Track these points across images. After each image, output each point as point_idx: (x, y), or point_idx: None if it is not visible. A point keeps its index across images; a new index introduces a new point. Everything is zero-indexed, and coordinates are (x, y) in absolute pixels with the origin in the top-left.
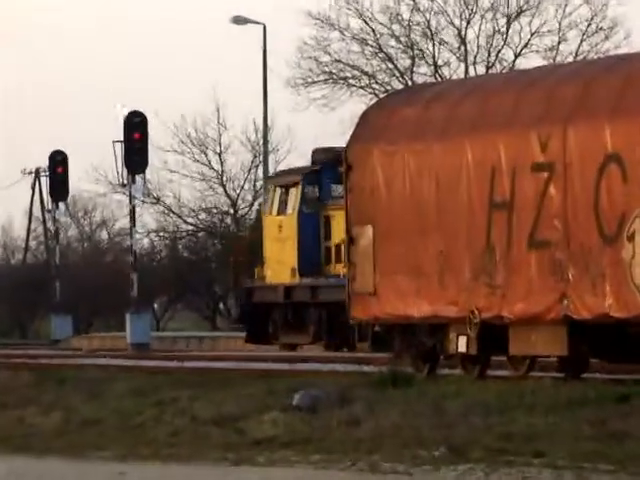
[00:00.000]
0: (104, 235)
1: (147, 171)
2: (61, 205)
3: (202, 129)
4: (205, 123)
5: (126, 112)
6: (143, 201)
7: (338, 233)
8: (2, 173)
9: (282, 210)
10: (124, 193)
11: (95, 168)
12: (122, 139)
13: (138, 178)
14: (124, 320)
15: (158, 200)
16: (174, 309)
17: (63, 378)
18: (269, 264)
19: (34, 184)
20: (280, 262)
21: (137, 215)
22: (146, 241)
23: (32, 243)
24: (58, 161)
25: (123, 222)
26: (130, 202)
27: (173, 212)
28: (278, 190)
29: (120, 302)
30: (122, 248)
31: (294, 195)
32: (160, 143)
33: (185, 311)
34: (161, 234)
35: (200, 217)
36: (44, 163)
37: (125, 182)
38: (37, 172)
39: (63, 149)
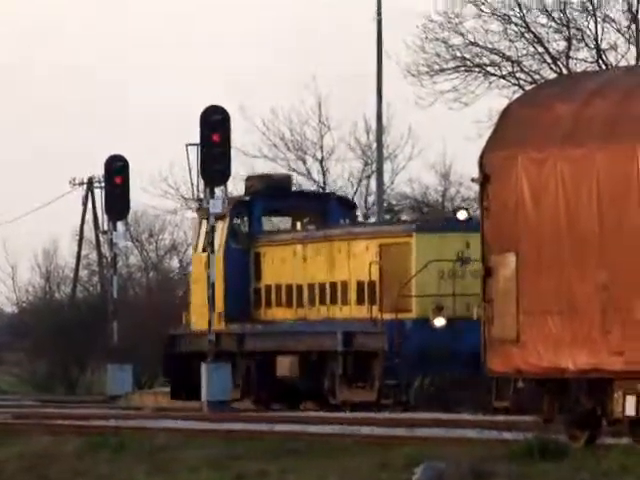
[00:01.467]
0: (174, 263)
1: (229, 182)
2: (120, 225)
3: (299, 129)
4: (303, 122)
5: None
6: None
7: (270, 272)
8: (46, 183)
9: (207, 247)
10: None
11: (163, 178)
12: (198, 142)
13: (217, 191)
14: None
15: None
16: None
17: (121, 445)
18: (194, 308)
19: (86, 198)
20: (205, 306)
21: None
22: None
23: (83, 273)
24: (117, 169)
25: None
26: (208, 221)
27: None
28: (204, 223)
29: None
30: None
31: (221, 229)
32: (246, 147)
33: None
34: None
35: None
36: (99, 172)
37: (201, 196)
38: (90, 183)
39: (123, 154)
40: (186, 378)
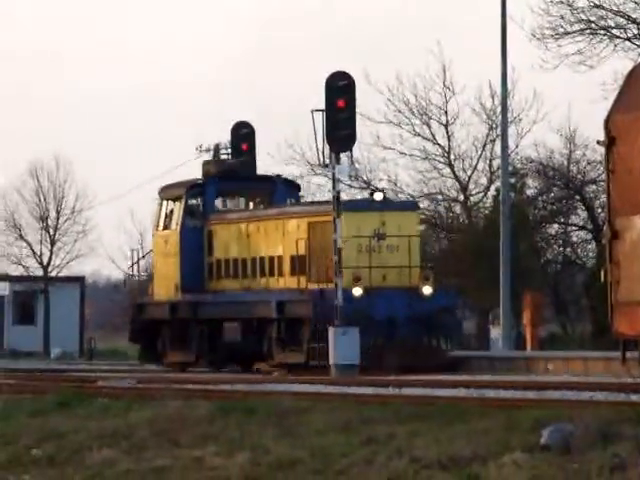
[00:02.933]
0: None
1: (354, 148)
2: None
3: (424, 94)
4: (428, 87)
5: None
6: (350, 185)
7: (220, 248)
8: (173, 149)
9: (168, 224)
10: (326, 175)
11: (289, 144)
12: (323, 108)
13: (343, 157)
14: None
15: (368, 184)
16: None
17: (250, 409)
18: (157, 280)
19: None
20: (166, 278)
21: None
22: None
23: None
24: (243, 135)
25: None
26: (334, 187)
27: None
28: (164, 204)
29: None
30: None
31: (178, 209)
32: (371, 113)
33: None
34: None
35: (422, 205)
36: (225, 138)
37: (327, 162)
38: (216, 149)
39: (249, 120)
40: (151, 343)
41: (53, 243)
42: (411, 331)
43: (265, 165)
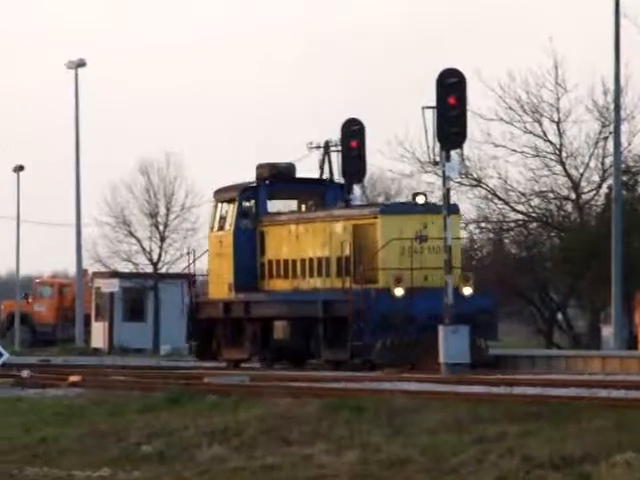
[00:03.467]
0: None
1: (465, 145)
2: (356, 188)
3: (536, 91)
4: (540, 84)
5: None
6: (460, 183)
7: (271, 248)
8: (285, 146)
9: (222, 226)
10: (436, 173)
11: (400, 142)
12: (434, 105)
13: (454, 154)
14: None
15: (479, 182)
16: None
17: (360, 407)
18: (212, 280)
19: (322, 161)
20: (220, 277)
21: (452, 201)
22: (463, 233)
23: None
24: (353, 132)
25: None
26: (444, 184)
27: (498, 197)
28: (219, 206)
29: None
30: None
31: (232, 211)
32: (482, 110)
33: (512, 322)
34: (482, 225)
35: (533, 203)
36: (335, 135)
37: (437, 159)
38: (326, 146)
39: (358, 117)
40: (207, 340)
41: (163, 240)
42: None
43: (376, 162)
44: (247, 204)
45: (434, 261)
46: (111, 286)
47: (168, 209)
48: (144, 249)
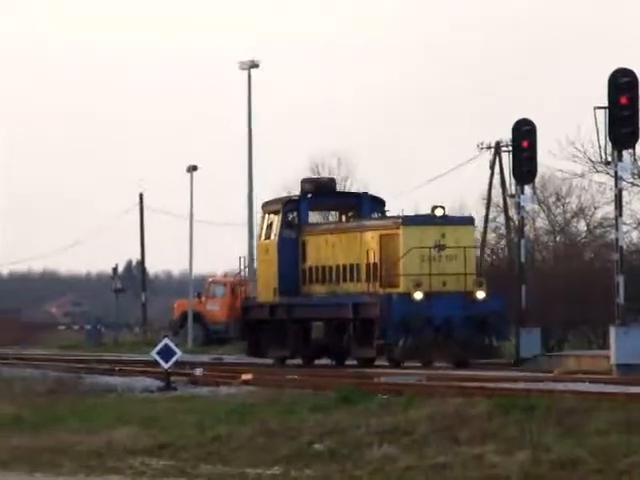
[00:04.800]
0: (581, 226)
1: (637, 145)
2: (527, 189)
3: None
4: None
5: None
6: (632, 183)
7: (311, 256)
8: (456, 147)
9: (268, 235)
10: (608, 173)
11: (571, 142)
12: (606, 104)
13: (626, 154)
14: (607, 335)
15: None
16: None
17: (530, 407)
18: (259, 284)
19: (493, 162)
20: (267, 282)
21: (624, 201)
22: (635, 235)
23: (490, 236)
24: (524, 133)
25: (606, 210)
26: (615, 185)
27: None
28: (266, 217)
29: (603, 312)
30: (604, 243)
31: (276, 221)
32: None
33: None
34: None
35: None
36: (506, 135)
37: (609, 159)
38: (497, 147)
39: (529, 117)
40: (256, 339)
41: None
42: (466, 330)
43: (546, 162)
44: (290, 215)
45: (451, 268)
46: None
47: None
48: None
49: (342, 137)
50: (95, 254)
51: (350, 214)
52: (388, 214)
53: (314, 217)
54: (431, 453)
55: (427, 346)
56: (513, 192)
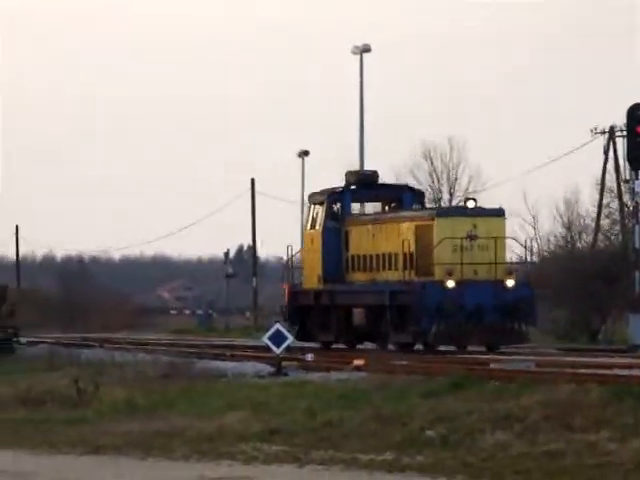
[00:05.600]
0: None
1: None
2: None
3: None
4: None
5: None
6: None
7: (354, 245)
8: (568, 133)
9: (313, 225)
10: None
11: None
12: None
13: None
14: None
15: None
16: None
17: None
18: (305, 272)
19: (607, 147)
20: (312, 270)
21: None
22: None
23: (604, 222)
24: (639, 117)
25: None
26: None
27: None
28: (312, 207)
29: None
30: None
31: (321, 212)
32: None
33: None
34: None
35: None
36: (620, 120)
37: None
38: (611, 132)
39: None
40: (303, 324)
41: None
42: (496, 317)
43: None
44: (334, 207)
45: (482, 257)
46: None
47: (451, 194)
48: None
49: (454, 122)
50: (207, 239)
51: (393, 205)
52: (428, 205)
53: (357, 208)
54: (544, 440)
55: (459, 332)
56: (627, 177)
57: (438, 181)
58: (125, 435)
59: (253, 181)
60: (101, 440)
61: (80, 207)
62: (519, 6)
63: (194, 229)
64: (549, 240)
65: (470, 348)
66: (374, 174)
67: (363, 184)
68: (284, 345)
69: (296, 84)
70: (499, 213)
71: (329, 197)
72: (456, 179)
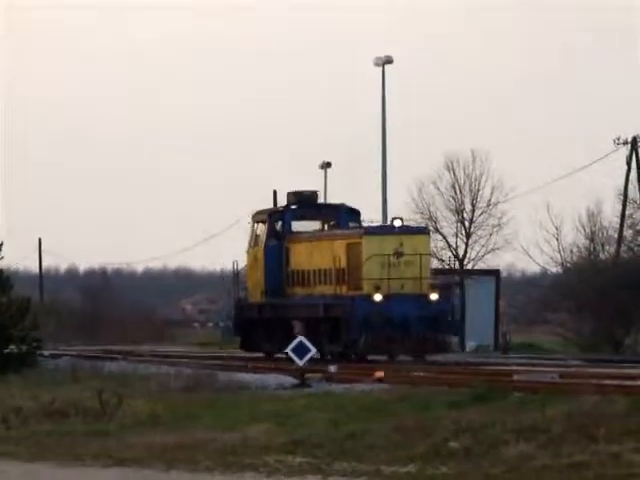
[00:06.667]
0: None
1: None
2: None
3: None
4: None
5: None
6: None
7: (294, 261)
8: (592, 142)
9: (256, 243)
10: None
11: None
12: None
13: None
14: None
15: None
16: None
17: None
18: (250, 286)
19: (630, 157)
20: (256, 285)
21: None
22: None
23: (627, 233)
24: None
25: None
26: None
27: None
28: (255, 225)
29: None
30: None
31: (263, 230)
32: None
33: None
34: None
35: None
36: None
37: None
38: (634, 142)
39: None
40: (249, 335)
41: (468, 236)
42: (421, 328)
43: None
44: (276, 225)
45: (409, 272)
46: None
47: (474, 205)
48: (450, 245)
49: (477, 133)
50: (230, 252)
51: (331, 224)
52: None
53: (299, 226)
54: (568, 451)
55: (386, 342)
56: None
57: (460, 192)
58: (148, 447)
59: (275, 193)
60: (125, 452)
61: (103, 220)
62: (543, 12)
63: (217, 241)
64: (572, 252)
65: (490, 360)
66: (313, 194)
67: (304, 204)
68: (307, 357)
69: (319, 94)
70: (424, 231)
71: (271, 216)
72: (478, 190)
